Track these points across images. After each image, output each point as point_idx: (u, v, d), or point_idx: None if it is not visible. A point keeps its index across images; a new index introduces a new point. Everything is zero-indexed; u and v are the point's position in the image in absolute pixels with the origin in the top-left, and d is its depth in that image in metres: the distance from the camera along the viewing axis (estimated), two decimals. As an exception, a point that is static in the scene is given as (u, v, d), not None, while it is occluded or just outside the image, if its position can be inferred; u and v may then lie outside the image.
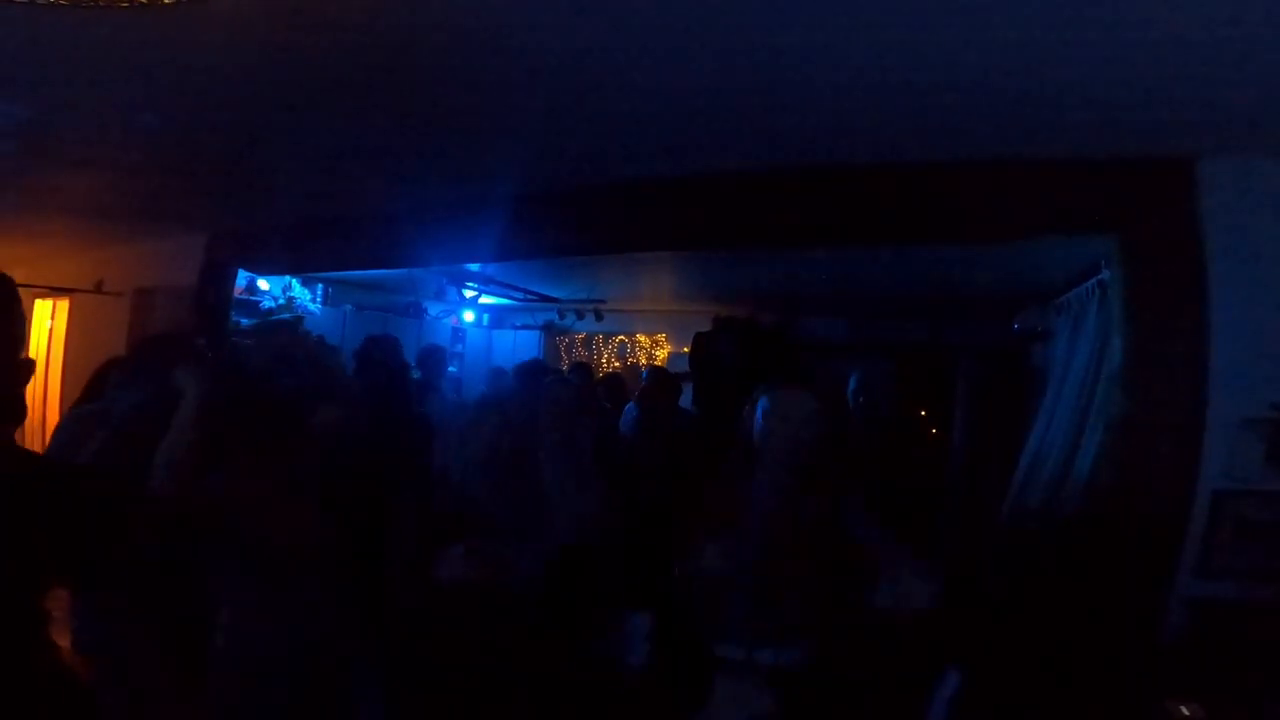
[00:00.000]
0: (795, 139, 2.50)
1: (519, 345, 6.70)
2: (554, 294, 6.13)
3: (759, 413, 1.74)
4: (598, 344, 6.66)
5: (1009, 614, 2.41)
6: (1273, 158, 2.13)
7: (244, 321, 4.82)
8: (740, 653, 1.63)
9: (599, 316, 6.29)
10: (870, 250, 3.84)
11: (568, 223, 3.45)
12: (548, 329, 6.71)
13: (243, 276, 4.84)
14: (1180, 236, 2.23)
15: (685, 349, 5.60)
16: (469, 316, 6.74)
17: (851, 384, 3.97)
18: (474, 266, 5.17)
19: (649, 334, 6.43)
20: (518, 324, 6.92)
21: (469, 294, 6.01)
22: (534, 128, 2.48)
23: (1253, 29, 1.51)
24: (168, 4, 1.57)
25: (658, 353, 6.26)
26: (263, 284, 5.18)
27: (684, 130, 2.50)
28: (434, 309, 6.55)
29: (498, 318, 7.04)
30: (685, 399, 4.44)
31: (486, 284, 5.70)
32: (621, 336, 6.55)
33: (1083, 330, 3.08)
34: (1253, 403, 2.06)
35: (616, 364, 6.36)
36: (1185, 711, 1.64)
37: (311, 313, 5.46)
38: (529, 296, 6.09)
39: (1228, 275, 2.15)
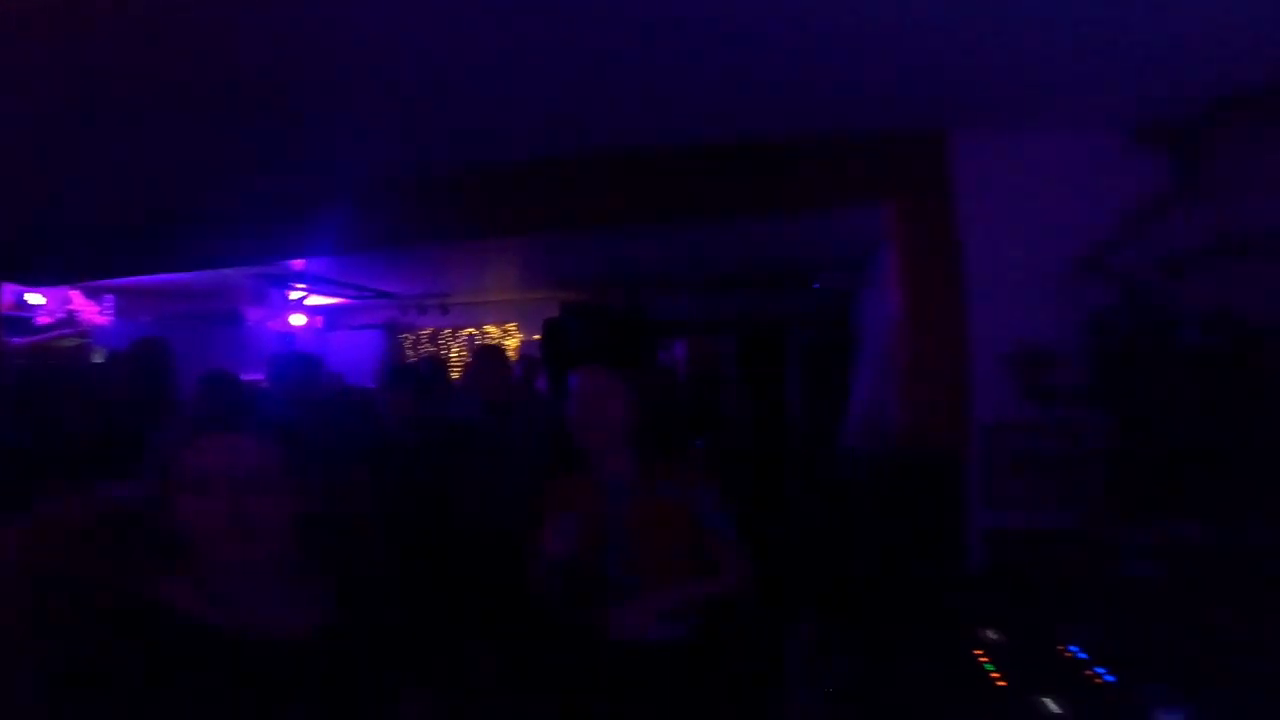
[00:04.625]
0: (622, 124, 2.58)
1: (360, 346, 6.32)
2: (394, 290, 5.86)
3: (570, 396, 1.71)
4: (445, 339, 6.46)
5: (843, 556, 2.71)
6: (1010, 130, 2.54)
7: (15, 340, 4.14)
8: (627, 632, 1.60)
9: (444, 310, 6.11)
10: (699, 228, 4.11)
11: (400, 212, 3.32)
12: (390, 327, 6.40)
13: (10, 290, 4.15)
14: (938, 201, 2.61)
15: (536, 336, 5.64)
16: (299, 319, 6.23)
17: (690, 354, 4.24)
18: (300, 265, 4.81)
19: (499, 324, 6.35)
20: (356, 324, 6.52)
21: (295, 295, 5.57)
22: (358, 115, 2.37)
23: (994, 16, 1.80)
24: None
25: (509, 342, 6.20)
26: (34, 298, 4.47)
27: (520, 118, 2.50)
28: (255, 314, 6.00)
29: (332, 318, 6.58)
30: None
31: (316, 283, 5.31)
32: (470, 329, 6.41)
33: (882, 292, 3.52)
34: (1005, 340, 2.46)
35: (468, 356, 6.22)
36: (991, 635, 1.84)
37: (98, 327, 4.79)
38: (365, 293, 5.77)
39: (978, 232, 2.55)
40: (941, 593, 2.31)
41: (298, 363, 2.90)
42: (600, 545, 1.57)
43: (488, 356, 3.05)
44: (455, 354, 6.34)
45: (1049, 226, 2.50)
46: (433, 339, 6.47)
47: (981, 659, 1.72)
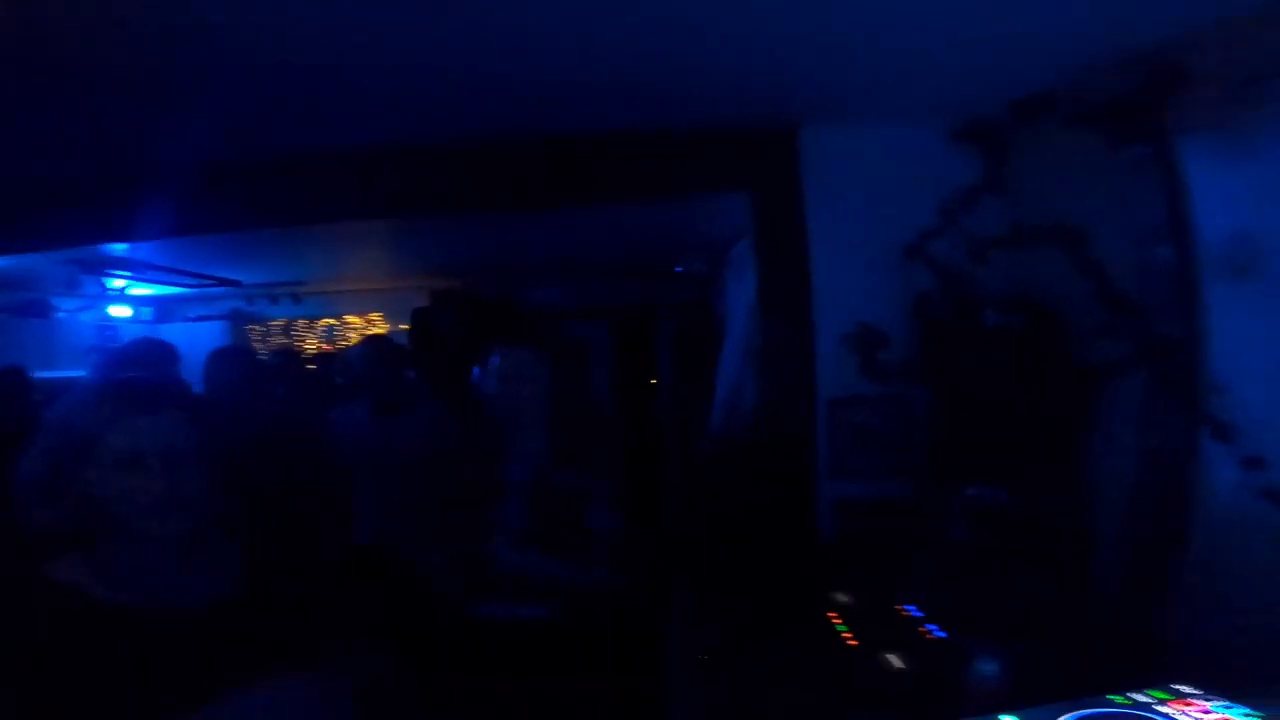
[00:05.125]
0: (483, 111, 2.50)
1: (198, 339, 5.73)
2: (240, 278, 5.37)
3: (491, 377, 1.74)
4: (300, 330, 6.01)
5: (710, 531, 2.80)
6: (850, 127, 2.68)
7: None
8: (506, 612, 1.68)
9: (297, 299, 5.69)
10: (570, 216, 4.10)
11: (244, 194, 3.03)
12: (235, 318, 5.85)
13: None
14: (788, 192, 2.74)
15: (404, 327, 5.40)
16: (121, 311, 5.55)
17: (562, 344, 4.27)
18: (120, 250, 4.28)
19: (361, 314, 6.00)
20: (193, 315, 5.90)
21: (115, 284, 4.96)
22: (186, 85, 2.12)
23: (835, 21, 1.90)
24: None
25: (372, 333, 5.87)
26: None
27: (376, 101, 2.36)
28: (66, 305, 5.28)
29: (164, 310, 5.92)
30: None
31: (141, 270, 4.75)
32: (329, 320, 6.01)
33: (743, 279, 3.67)
34: (846, 322, 2.64)
35: (327, 348, 5.84)
36: (843, 599, 1.94)
37: None
38: (203, 282, 5.24)
39: (822, 221, 2.71)
40: (799, 561, 2.43)
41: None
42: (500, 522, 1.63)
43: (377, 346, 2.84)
44: (312, 347, 5.92)
45: (882, 216, 2.68)
46: (285, 331, 6.00)
47: (835, 621, 1.81)
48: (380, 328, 5.89)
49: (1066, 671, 1.33)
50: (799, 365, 2.67)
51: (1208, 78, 1.80)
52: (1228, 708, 1.03)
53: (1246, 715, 0.99)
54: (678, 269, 4.79)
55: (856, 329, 2.61)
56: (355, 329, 5.90)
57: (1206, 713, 1.03)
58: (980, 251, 2.49)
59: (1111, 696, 1.09)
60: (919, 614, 1.83)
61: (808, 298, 2.68)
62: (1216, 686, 1.05)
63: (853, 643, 1.69)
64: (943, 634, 1.69)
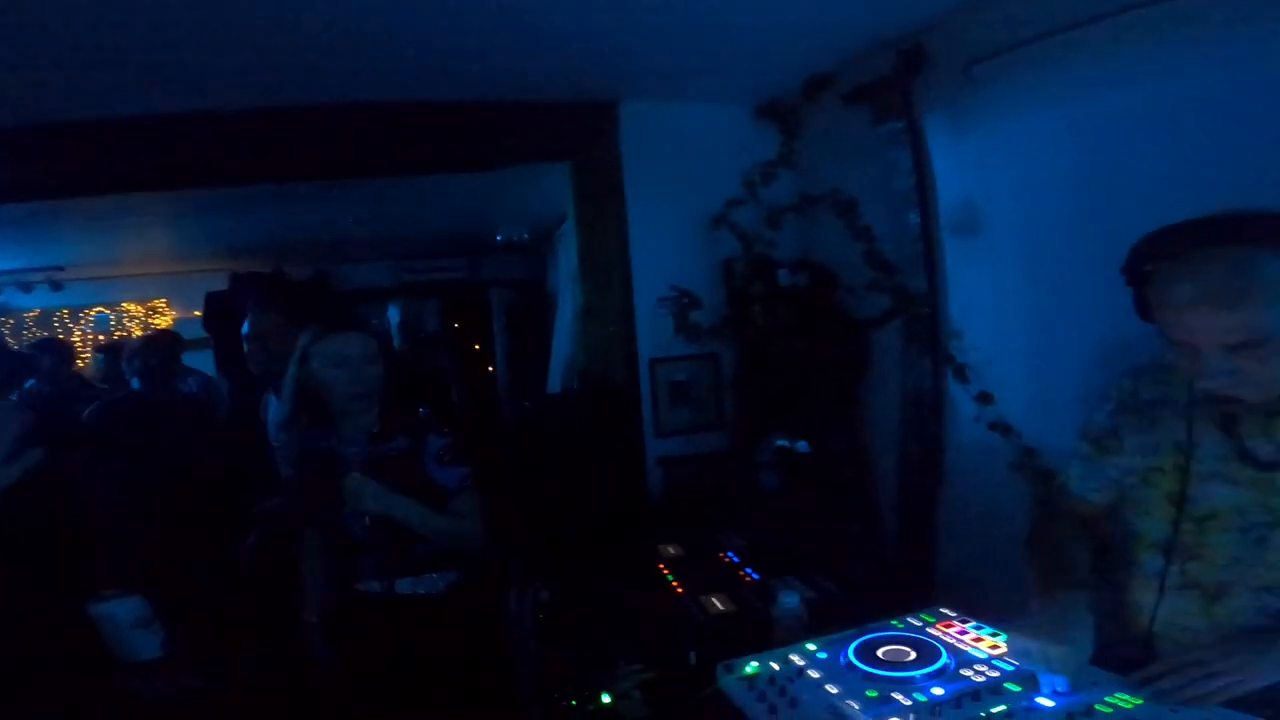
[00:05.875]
0: (284, 74, 2.29)
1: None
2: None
3: (314, 360, 1.73)
4: (63, 320, 5.14)
5: (546, 494, 2.80)
6: (665, 102, 2.79)
7: None
8: (379, 586, 1.72)
9: (56, 286, 4.85)
10: (391, 192, 3.87)
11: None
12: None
13: None
14: (607, 163, 2.80)
15: (196, 313, 4.85)
16: None
17: (397, 318, 4.07)
18: None
19: (142, 301, 5.25)
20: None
21: None
22: None
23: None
24: None
25: (157, 321, 5.18)
26: None
27: (165, 67, 2.10)
28: None
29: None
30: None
31: None
32: (100, 308, 5.20)
33: (570, 251, 3.68)
34: (662, 285, 2.76)
35: (102, 339, 5.05)
36: (671, 551, 2.04)
37: None
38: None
39: (640, 191, 2.80)
40: (629, 517, 2.55)
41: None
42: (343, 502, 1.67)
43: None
44: (79, 339, 5.09)
45: (693, 186, 2.81)
46: (42, 322, 5.10)
47: (664, 571, 1.88)
48: (166, 315, 5.21)
49: (862, 601, 1.49)
50: (620, 327, 2.75)
51: (942, 59, 2.07)
52: (978, 627, 1.24)
53: (993, 633, 1.20)
54: (498, 238, 4.74)
55: (672, 292, 2.73)
56: (136, 318, 5.16)
57: (964, 632, 1.24)
58: (775, 219, 2.70)
59: (894, 621, 1.27)
60: (737, 560, 1.96)
61: (627, 263, 2.77)
62: (973, 608, 1.26)
63: (680, 590, 1.77)
64: (758, 576, 1.81)
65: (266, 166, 2.74)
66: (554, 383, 3.92)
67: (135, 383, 2.95)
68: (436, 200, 4.27)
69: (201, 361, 4.09)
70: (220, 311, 4.76)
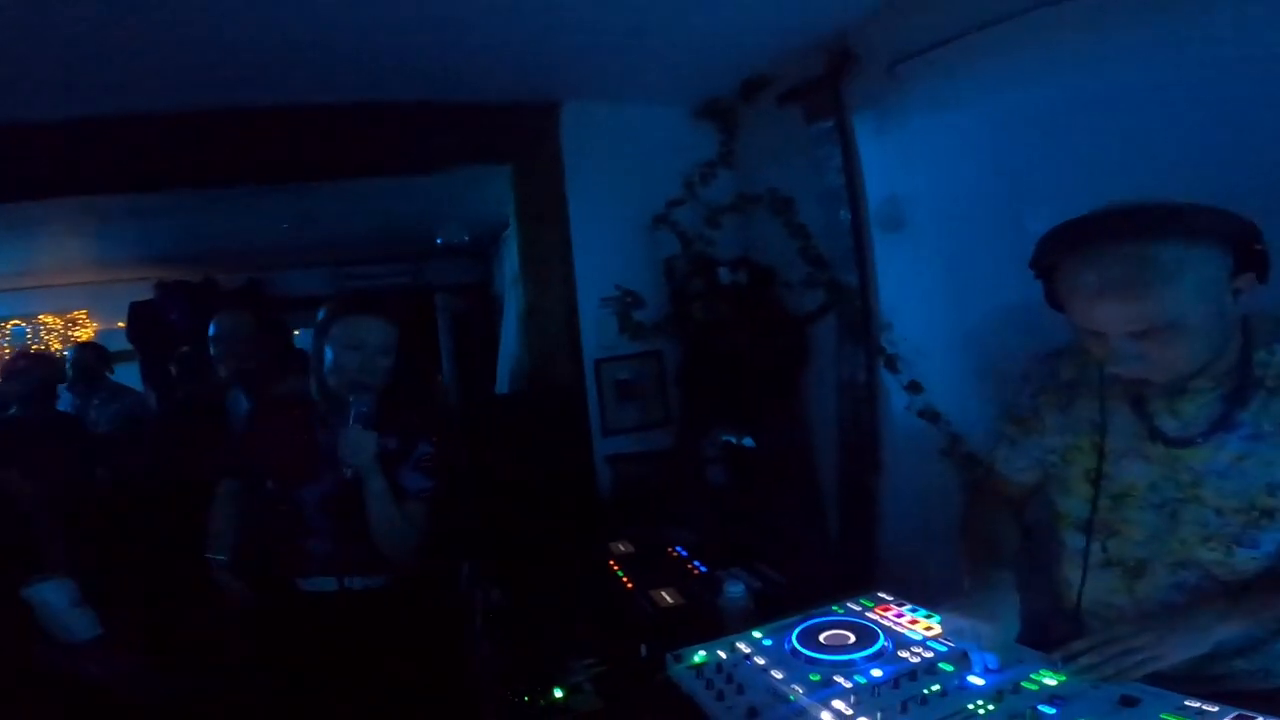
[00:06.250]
0: (206, 77, 2.20)
1: None
2: None
3: (330, 337, 1.66)
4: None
5: (498, 494, 2.78)
6: (607, 103, 2.80)
7: None
8: (333, 584, 1.69)
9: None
10: (330, 199, 3.76)
11: None
12: None
13: None
14: (549, 165, 2.79)
15: (120, 324, 4.62)
16: None
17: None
18: None
19: (61, 313, 4.97)
20: None
21: None
22: None
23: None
24: None
25: (78, 334, 4.91)
26: None
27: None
28: None
29: None
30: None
31: None
32: (16, 320, 4.90)
33: (514, 253, 3.66)
34: (605, 284, 2.76)
35: (7, 351, 4.76)
36: (621, 548, 2.05)
37: None
38: None
39: (582, 192, 2.80)
40: (580, 516, 2.55)
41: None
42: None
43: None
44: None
45: (635, 187, 2.83)
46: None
47: (615, 568, 1.89)
48: (87, 327, 4.94)
49: (806, 589, 1.53)
50: (565, 328, 2.75)
51: (869, 59, 2.14)
52: (914, 610, 1.28)
53: (927, 615, 1.24)
54: (438, 241, 4.68)
55: (616, 291, 2.75)
56: (54, 331, 4.87)
57: (900, 615, 1.28)
58: (715, 218, 2.74)
59: (835, 607, 1.30)
60: (685, 554, 1.98)
61: (570, 263, 2.76)
62: (910, 591, 1.30)
63: (629, 585, 1.78)
64: (705, 569, 1.83)
65: (192, 171, 2.63)
66: (502, 385, 3.89)
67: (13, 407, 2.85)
68: (376, 204, 4.16)
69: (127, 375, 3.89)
70: (146, 322, 4.57)
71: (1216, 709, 0.86)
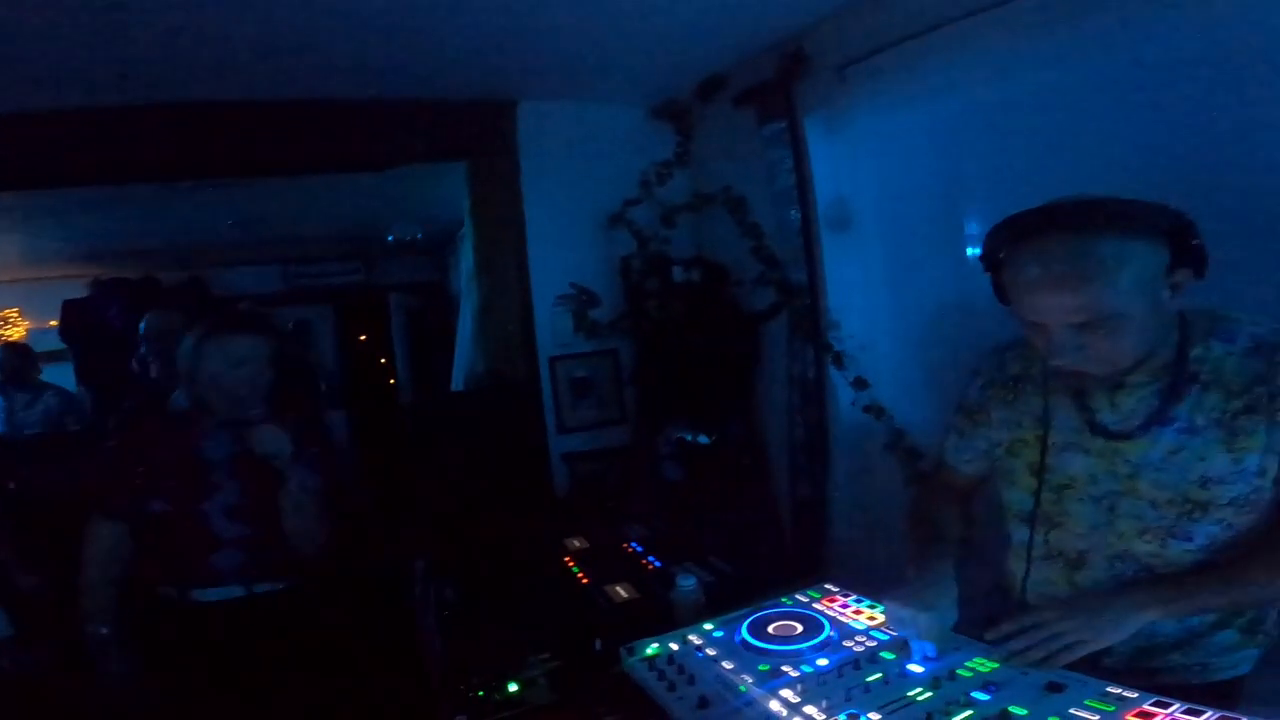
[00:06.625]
0: (152, 70, 2.13)
1: None
2: None
3: (202, 360, 1.68)
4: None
5: (453, 491, 2.75)
6: (563, 102, 2.80)
7: None
8: (240, 590, 1.69)
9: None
10: (282, 195, 3.66)
11: None
12: None
13: None
14: (505, 163, 2.77)
15: (52, 323, 4.41)
16: None
17: (290, 327, 3.90)
18: None
19: (-13, 312, 4.72)
20: None
21: None
22: None
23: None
24: None
25: (8, 333, 4.68)
26: None
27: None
28: None
29: None
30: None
31: None
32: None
33: (470, 251, 3.62)
34: (561, 283, 2.76)
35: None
36: (577, 544, 2.03)
37: None
38: None
39: (538, 190, 2.79)
40: (535, 512, 2.54)
41: None
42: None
43: None
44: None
45: (591, 186, 2.83)
46: None
47: (570, 564, 1.88)
48: (19, 326, 4.70)
49: (758, 582, 1.55)
50: (520, 326, 2.73)
51: (819, 62, 2.18)
52: (858, 600, 1.31)
53: (871, 605, 1.27)
54: (389, 238, 4.61)
55: (571, 289, 2.75)
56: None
57: (845, 606, 1.31)
58: (670, 218, 2.76)
59: (784, 599, 1.33)
60: (640, 549, 1.99)
61: (525, 261, 2.75)
62: (857, 583, 1.33)
63: (585, 581, 1.78)
64: (660, 564, 1.85)
65: (138, 166, 2.52)
66: (458, 383, 3.85)
67: None
68: (326, 201, 4.07)
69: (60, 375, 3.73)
70: (81, 320, 4.37)
71: (1136, 695, 0.90)
